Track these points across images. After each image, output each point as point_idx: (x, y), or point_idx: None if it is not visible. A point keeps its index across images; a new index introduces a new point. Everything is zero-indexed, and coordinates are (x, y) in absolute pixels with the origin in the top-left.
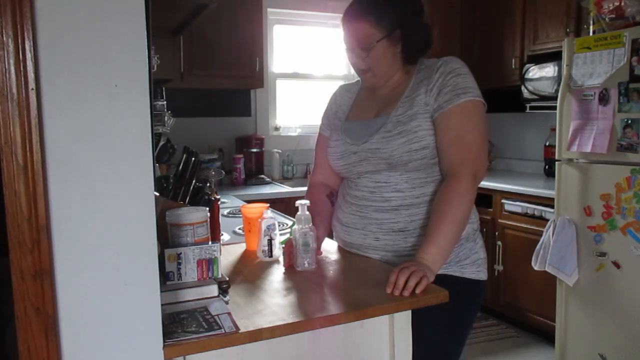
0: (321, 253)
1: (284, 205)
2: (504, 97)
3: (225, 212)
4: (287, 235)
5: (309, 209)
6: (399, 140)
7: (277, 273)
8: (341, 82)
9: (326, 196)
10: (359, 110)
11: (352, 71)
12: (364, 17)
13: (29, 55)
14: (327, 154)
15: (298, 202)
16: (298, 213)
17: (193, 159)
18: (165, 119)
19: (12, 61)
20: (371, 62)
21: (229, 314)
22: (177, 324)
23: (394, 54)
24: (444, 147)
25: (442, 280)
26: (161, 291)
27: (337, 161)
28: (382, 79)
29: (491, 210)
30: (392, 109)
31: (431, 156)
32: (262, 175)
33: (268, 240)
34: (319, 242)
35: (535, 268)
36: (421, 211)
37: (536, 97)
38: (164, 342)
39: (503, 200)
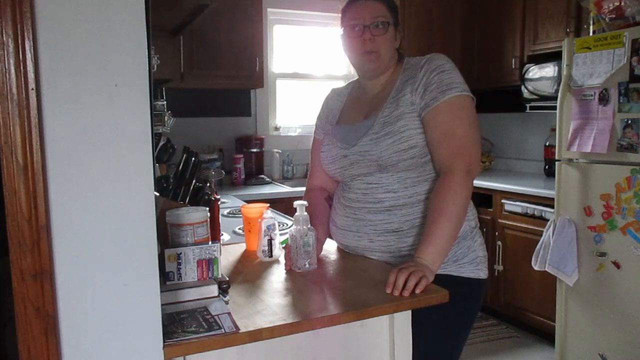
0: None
1: (284, 205)
2: (504, 97)
3: (225, 212)
4: (287, 236)
5: (307, 209)
6: (386, 141)
7: (277, 273)
8: (341, 82)
9: (324, 199)
10: (349, 113)
11: (352, 71)
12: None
13: (29, 55)
14: (320, 158)
15: (296, 203)
16: (296, 214)
17: (193, 159)
18: (165, 119)
19: (12, 61)
20: (381, 44)
21: (229, 314)
22: (177, 324)
23: (394, 48)
24: (435, 145)
25: (440, 280)
26: (161, 291)
27: (329, 165)
28: (383, 65)
29: (491, 210)
30: (379, 111)
31: (421, 155)
32: (262, 175)
33: (268, 240)
34: (320, 245)
35: (535, 268)
36: (415, 211)
37: (536, 97)
38: (164, 342)
39: (503, 200)
